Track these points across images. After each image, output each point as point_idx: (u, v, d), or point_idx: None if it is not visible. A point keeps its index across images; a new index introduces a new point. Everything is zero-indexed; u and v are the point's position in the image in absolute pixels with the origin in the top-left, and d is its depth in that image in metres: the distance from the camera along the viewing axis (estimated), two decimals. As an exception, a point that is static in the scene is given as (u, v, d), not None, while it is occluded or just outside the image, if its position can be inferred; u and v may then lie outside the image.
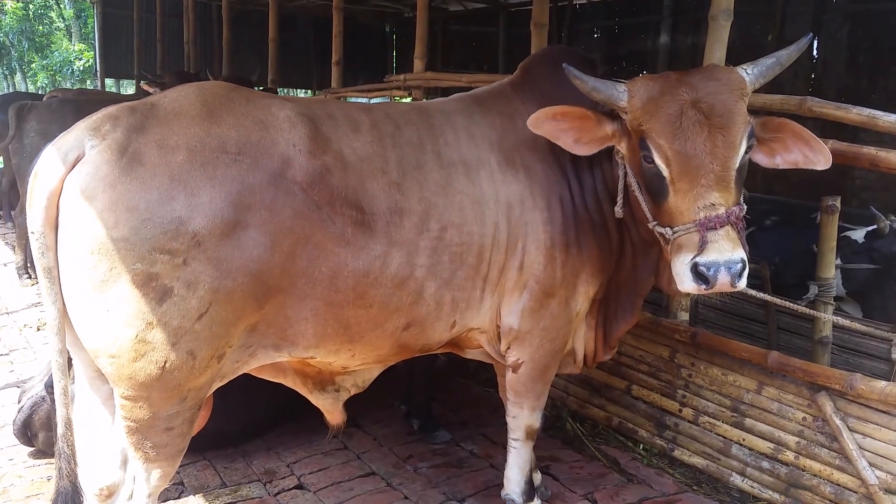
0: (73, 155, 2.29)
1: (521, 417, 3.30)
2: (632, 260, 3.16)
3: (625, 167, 2.84)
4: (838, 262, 4.61)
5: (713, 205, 2.47)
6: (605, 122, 2.78)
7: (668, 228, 2.60)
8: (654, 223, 2.69)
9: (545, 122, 2.78)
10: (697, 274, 2.46)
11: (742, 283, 2.47)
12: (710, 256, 2.43)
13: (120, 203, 2.23)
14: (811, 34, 2.87)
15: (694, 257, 2.46)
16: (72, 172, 2.28)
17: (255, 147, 2.45)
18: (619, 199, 2.91)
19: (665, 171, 2.57)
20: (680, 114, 2.54)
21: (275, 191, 2.44)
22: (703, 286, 2.46)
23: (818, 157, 2.71)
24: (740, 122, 2.55)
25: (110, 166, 2.26)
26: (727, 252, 2.43)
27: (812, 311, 3.70)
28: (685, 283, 2.51)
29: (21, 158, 7.22)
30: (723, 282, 2.43)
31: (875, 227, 5.12)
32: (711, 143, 2.51)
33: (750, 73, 2.66)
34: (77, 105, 7.38)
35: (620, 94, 2.67)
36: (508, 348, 3.12)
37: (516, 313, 3.02)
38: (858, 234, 5.27)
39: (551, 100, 3.05)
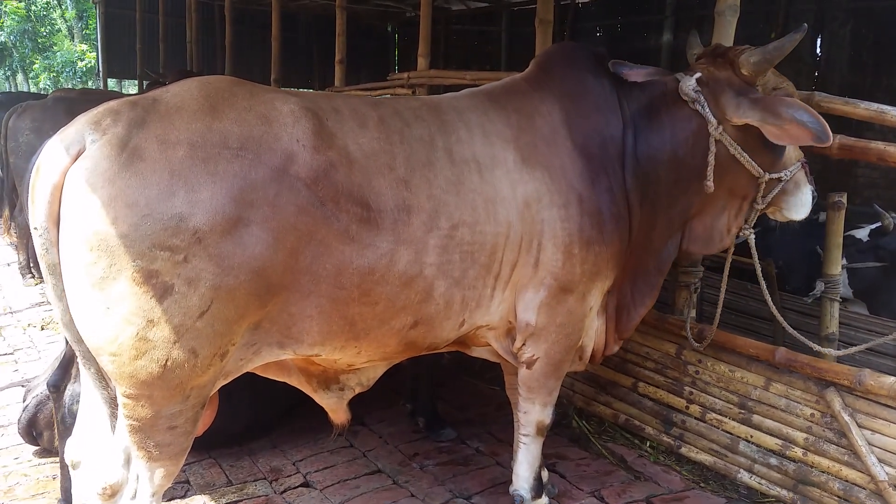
0: (75, 149, 2.27)
1: (533, 413, 3.28)
2: (661, 241, 3.26)
3: (718, 141, 3.08)
4: (844, 261, 4.58)
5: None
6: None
7: (783, 172, 3.20)
8: (767, 174, 3.15)
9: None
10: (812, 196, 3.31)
11: None
12: (811, 183, 3.33)
13: (119, 199, 2.20)
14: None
15: (811, 185, 3.31)
16: (72, 167, 2.25)
17: (257, 142, 2.41)
18: (709, 172, 3.10)
19: None
20: None
21: (278, 187, 2.40)
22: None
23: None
24: None
25: (110, 161, 2.23)
26: None
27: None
28: (809, 206, 3.31)
29: (18, 157, 7.20)
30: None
31: (879, 224, 5.09)
32: None
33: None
34: (70, 103, 7.31)
35: None
36: (524, 344, 3.08)
37: (533, 309, 2.99)
38: (862, 233, 5.23)
39: (574, 96, 3.05)
